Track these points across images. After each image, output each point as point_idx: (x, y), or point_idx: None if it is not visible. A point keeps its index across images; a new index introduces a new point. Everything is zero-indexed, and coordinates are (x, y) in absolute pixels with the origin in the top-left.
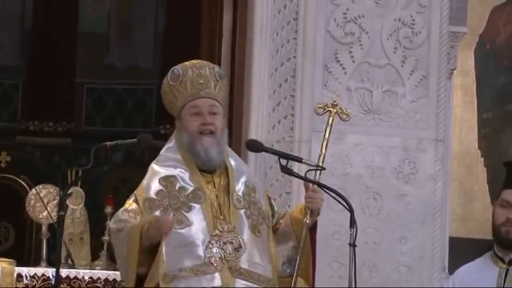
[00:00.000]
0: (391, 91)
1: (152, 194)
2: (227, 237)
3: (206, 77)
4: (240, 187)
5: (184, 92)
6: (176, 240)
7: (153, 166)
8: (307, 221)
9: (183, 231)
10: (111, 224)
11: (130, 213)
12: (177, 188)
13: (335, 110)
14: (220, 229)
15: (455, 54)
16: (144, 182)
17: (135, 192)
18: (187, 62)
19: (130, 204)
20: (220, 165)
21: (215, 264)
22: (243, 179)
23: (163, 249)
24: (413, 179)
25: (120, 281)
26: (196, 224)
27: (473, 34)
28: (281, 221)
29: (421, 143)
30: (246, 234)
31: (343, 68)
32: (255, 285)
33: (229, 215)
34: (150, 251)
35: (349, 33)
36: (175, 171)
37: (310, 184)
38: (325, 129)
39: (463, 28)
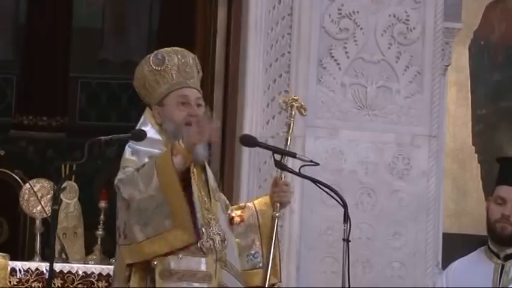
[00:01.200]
0: (386, 87)
1: None
2: (214, 228)
3: (191, 67)
4: (213, 181)
5: (169, 79)
6: None
7: (135, 146)
8: (277, 214)
9: None
10: (119, 175)
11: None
12: None
13: (296, 105)
14: (208, 219)
15: (450, 51)
16: (132, 157)
17: (125, 165)
18: (169, 48)
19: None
20: (204, 159)
21: (205, 252)
22: (211, 176)
23: None
24: (407, 175)
25: (151, 236)
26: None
27: (468, 30)
28: (240, 212)
29: (415, 139)
30: (226, 227)
31: (338, 64)
32: (235, 279)
33: (212, 207)
34: None
35: (343, 29)
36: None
37: (282, 177)
38: (288, 125)
39: (458, 24)
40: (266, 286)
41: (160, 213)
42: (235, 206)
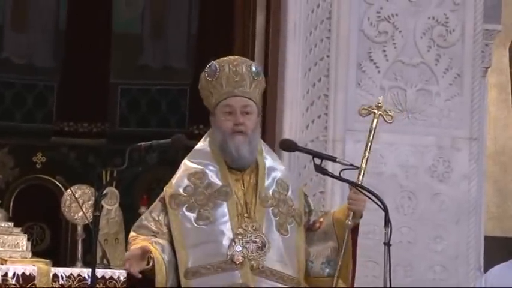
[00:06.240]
0: (425, 90)
1: (180, 190)
2: (251, 236)
3: (242, 75)
4: (270, 185)
5: (219, 89)
6: (198, 237)
7: (185, 162)
8: (349, 223)
9: (205, 227)
10: (133, 226)
11: (151, 221)
12: (205, 184)
13: (379, 112)
14: (245, 228)
15: (490, 52)
16: (174, 178)
17: (165, 187)
18: (226, 58)
19: (155, 204)
20: (251, 163)
21: (237, 262)
22: (275, 177)
23: (184, 246)
24: (448, 178)
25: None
26: (220, 222)
27: (508, 32)
28: (321, 219)
29: (456, 141)
30: (272, 233)
31: (377, 67)
32: (278, 284)
33: (255, 213)
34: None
35: (382, 32)
36: (205, 168)
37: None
38: (369, 132)
39: (498, 26)
40: None
41: None
42: (319, 213)
